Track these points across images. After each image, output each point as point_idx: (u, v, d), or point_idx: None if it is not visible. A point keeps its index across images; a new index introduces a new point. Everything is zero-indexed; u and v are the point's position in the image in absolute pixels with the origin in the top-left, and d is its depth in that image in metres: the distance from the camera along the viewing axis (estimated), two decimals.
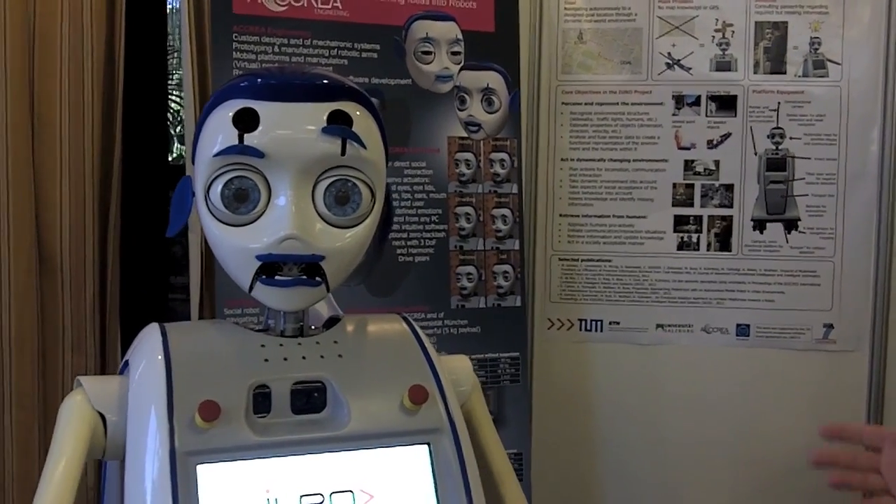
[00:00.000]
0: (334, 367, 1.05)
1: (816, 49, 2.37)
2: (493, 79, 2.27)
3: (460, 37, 2.22)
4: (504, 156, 2.29)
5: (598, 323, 2.47)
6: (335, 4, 2.13)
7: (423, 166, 2.20)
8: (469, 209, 2.25)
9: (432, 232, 2.21)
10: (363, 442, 1.02)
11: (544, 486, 2.39)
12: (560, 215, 2.48)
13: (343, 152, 1.02)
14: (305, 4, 2.10)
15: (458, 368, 1.17)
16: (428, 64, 2.20)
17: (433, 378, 1.08)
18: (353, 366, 1.06)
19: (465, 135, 2.24)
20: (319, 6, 2.12)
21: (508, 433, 2.18)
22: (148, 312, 2.37)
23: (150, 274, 2.51)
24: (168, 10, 2.78)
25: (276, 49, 2.06)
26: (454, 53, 2.23)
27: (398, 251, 2.17)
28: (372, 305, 2.08)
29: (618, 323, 2.46)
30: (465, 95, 2.24)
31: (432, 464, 1.05)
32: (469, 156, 2.25)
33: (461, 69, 2.23)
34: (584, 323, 2.48)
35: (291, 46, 2.08)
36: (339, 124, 1.02)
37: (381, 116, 1.10)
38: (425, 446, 1.05)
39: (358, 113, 1.05)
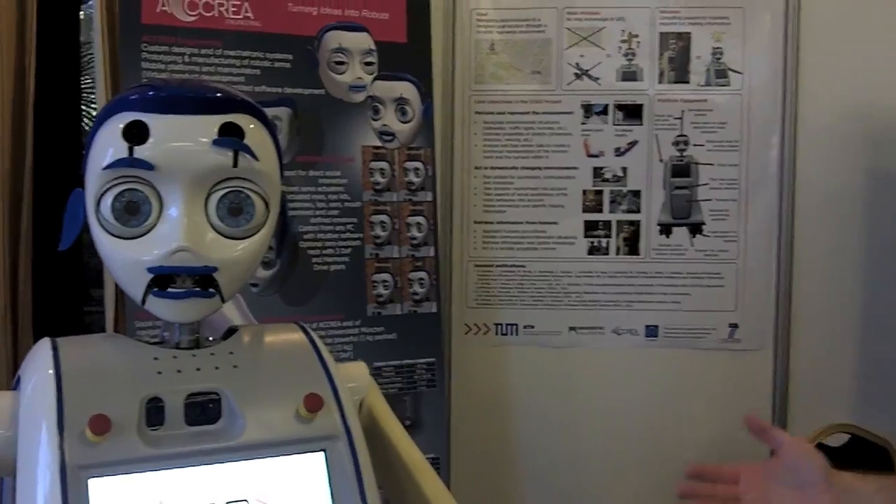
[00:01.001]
0: (229, 377, 1.05)
1: (718, 59, 2.44)
2: (406, 89, 2.30)
3: (373, 47, 2.25)
4: (418, 164, 2.32)
5: (514, 327, 2.51)
6: (246, 15, 2.14)
7: (337, 175, 2.22)
8: (384, 217, 2.27)
9: (348, 240, 2.22)
10: (258, 451, 1.03)
11: (463, 489, 2.41)
12: (475, 222, 2.52)
13: (235, 164, 1.03)
14: (216, 14, 2.10)
15: (355, 375, 1.19)
16: (341, 74, 2.22)
17: (329, 386, 1.09)
18: (249, 376, 1.07)
19: (380, 144, 2.27)
20: (230, 16, 2.12)
21: (426, 438, 2.21)
22: (62, 325, 2.35)
23: (66, 286, 2.49)
24: (82, 19, 2.76)
25: (187, 59, 2.07)
26: (367, 64, 2.25)
27: (314, 260, 2.18)
28: (287, 314, 2.10)
29: (532, 326, 2.51)
30: (379, 105, 2.27)
31: (328, 471, 1.06)
32: (384, 165, 2.27)
33: (374, 79, 2.25)
34: (499, 327, 2.52)
35: (202, 56, 2.09)
36: (231, 136, 1.03)
37: (276, 128, 1.12)
38: (321, 453, 1.06)
39: (251, 126, 1.06)
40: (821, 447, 2.16)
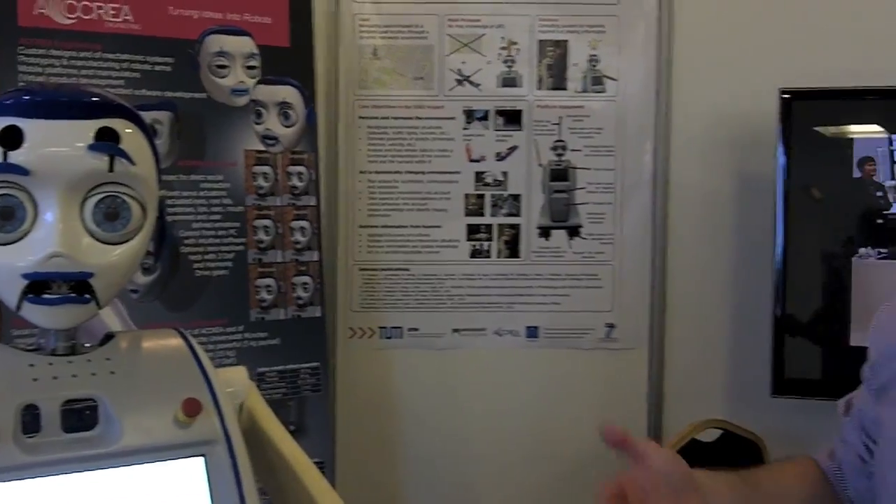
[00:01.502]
0: (106, 383, 1.05)
1: (595, 66, 2.51)
2: (289, 93, 2.30)
3: (255, 51, 2.24)
4: (302, 169, 2.32)
5: (398, 330, 2.54)
6: (126, 17, 2.11)
7: (219, 180, 2.21)
8: (267, 222, 2.27)
9: (230, 245, 2.22)
10: (136, 457, 1.03)
11: (350, 493, 2.41)
12: (359, 226, 2.53)
13: (111, 169, 1.02)
14: (96, 17, 2.07)
15: (234, 379, 1.19)
16: (223, 78, 2.21)
17: (208, 390, 1.09)
18: (126, 382, 1.06)
19: (263, 148, 2.27)
20: (110, 19, 2.09)
21: (311, 443, 2.21)
22: None
23: None
24: None
25: (66, 62, 2.02)
26: (250, 67, 2.24)
27: (195, 265, 2.16)
28: (169, 321, 2.08)
29: (417, 329, 2.54)
30: (262, 109, 2.26)
31: (208, 476, 1.07)
32: (267, 169, 2.27)
33: (257, 83, 2.25)
34: (384, 330, 2.54)
35: (81, 60, 2.05)
36: (106, 141, 1.03)
37: (153, 133, 1.12)
38: (201, 458, 1.07)
39: (128, 130, 1.05)
40: (694, 442, 2.26)
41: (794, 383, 2.31)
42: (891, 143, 2.24)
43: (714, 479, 1.26)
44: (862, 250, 2.25)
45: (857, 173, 2.25)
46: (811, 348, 2.36)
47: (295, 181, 2.31)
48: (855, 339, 2.22)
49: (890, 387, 1.24)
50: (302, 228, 2.32)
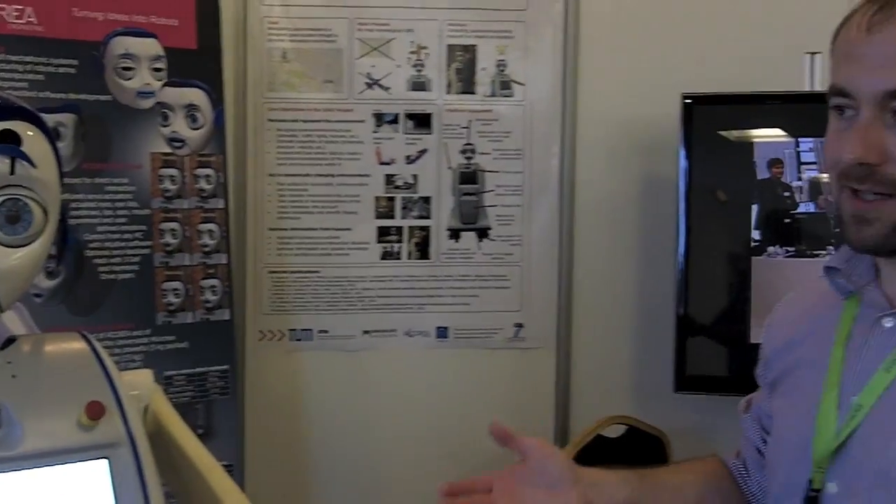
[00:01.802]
0: (7, 387, 1.05)
1: (503, 71, 2.55)
2: (196, 95, 2.29)
3: (162, 53, 2.22)
4: (210, 171, 2.31)
5: (308, 332, 2.54)
6: (29, 19, 2.07)
7: (125, 182, 2.19)
8: (175, 225, 2.25)
9: (136, 249, 2.19)
10: (39, 460, 1.03)
11: (259, 495, 2.42)
12: (269, 229, 2.52)
13: (12, 171, 1.02)
14: None
15: (139, 382, 1.20)
16: (128, 80, 2.19)
17: (111, 393, 1.10)
18: (28, 385, 1.06)
19: (169, 151, 2.25)
20: (12, 21, 2.05)
21: (219, 446, 2.20)
22: None
23: None
24: None
25: None
26: (156, 70, 2.22)
27: (100, 269, 2.14)
28: (74, 325, 2.04)
29: (327, 331, 2.54)
30: (168, 112, 2.25)
31: (112, 478, 1.07)
32: (174, 171, 2.25)
33: (163, 85, 2.23)
34: (294, 333, 2.54)
35: None
36: (7, 144, 1.02)
37: (55, 135, 1.11)
38: (104, 461, 1.07)
39: (30, 133, 1.05)
40: (600, 438, 2.31)
41: (696, 380, 2.37)
42: (797, 145, 2.32)
43: (608, 476, 1.29)
44: (770, 249, 2.32)
45: (765, 174, 2.32)
46: (713, 346, 2.42)
47: (203, 184, 2.30)
48: (755, 337, 2.28)
49: (781, 380, 1.29)
50: (210, 231, 2.30)
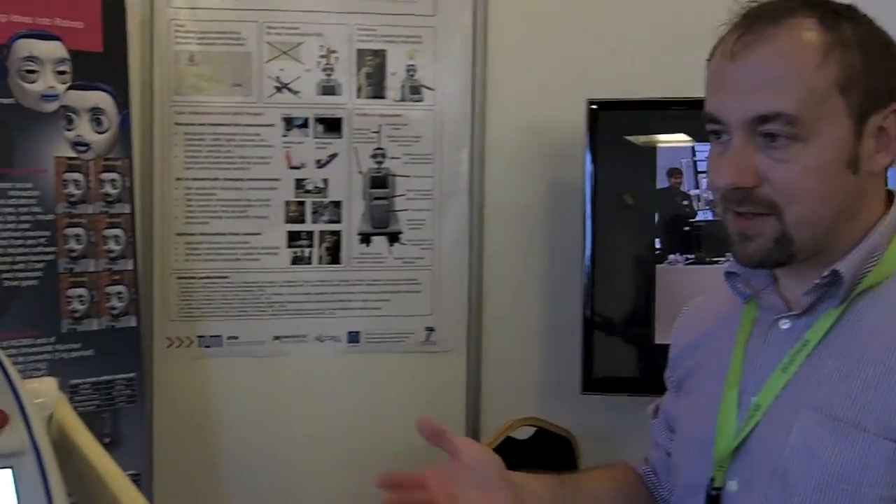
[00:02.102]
0: None
1: (412, 76, 2.56)
2: (101, 99, 2.25)
3: (66, 56, 2.18)
4: (115, 176, 2.27)
5: (218, 339, 2.51)
6: None
7: (28, 187, 2.14)
8: (79, 230, 2.21)
9: (40, 255, 2.15)
10: None
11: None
12: (176, 234, 2.49)
13: None
14: None
15: (43, 390, 1.18)
16: (32, 83, 2.14)
17: (15, 401, 1.08)
18: None
19: (74, 155, 2.21)
20: None
21: (127, 455, 2.17)
22: None
23: None
24: None
25: None
26: (60, 73, 2.18)
27: (3, 275, 2.09)
28: None
29: (237, 337, 2.52)
30: (73, 115, 2.21)
31: (16, 488, 1.05)
32: (78, 176, 2.21)
33: (68, 89, 2.19)
34: (203, 339, 2.51)
35: None
36: None
37: None
38: (8, 470, 1.06)
39: None
40: (509, 440, 2.33)
41: (603, 381, 2.42)
42: (694, 154, 2.37)
43: (532, 480, 1.31)
44: (671, 256, 2.37)
45: (664, 183, 2.38)
46: (619, 348, 2.47)
47: (108, 188, 2.26)
48: (660, 338, 2.33)
49: (685, 381, 1.33)
50: (116, 237, 2.27)
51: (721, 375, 1.20)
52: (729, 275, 1.22)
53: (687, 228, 2.39)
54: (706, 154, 2.32)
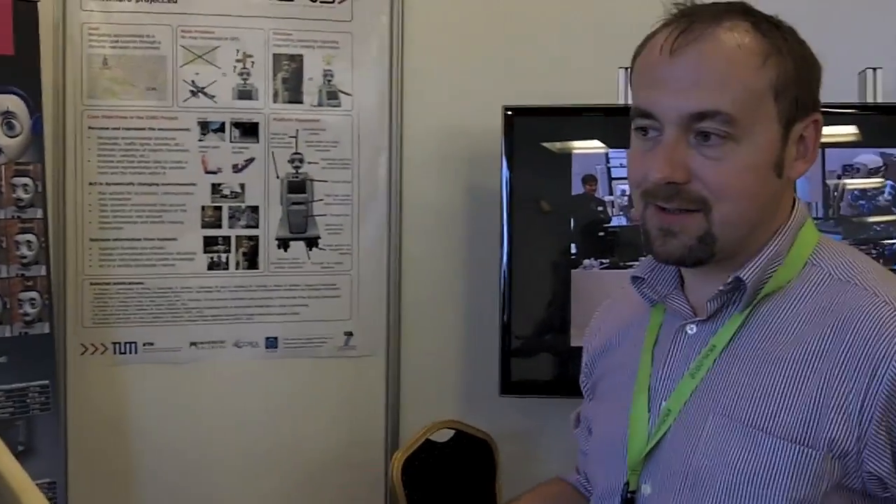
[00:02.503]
0: None
1: (330, 81, 2.56)
2: (12, 102, 2.21)
3: None
4: (27, 180, 2.24)
5: (133, 345, 2.48)
6: None
7: None
8: None
9: None
10: None
11: None
12: (90, 239, 2.46)
13: None
14: None
15: None
16: None
17: None
18: None
19: None
20: None
21: (41, 463, 2.14)
22: None
23: None
24: None
25: None
26: None
27: None
28: None
29: (153, 344, 2.49)
30: None
31: None
32: None
33: None
34: (118, 346, 2.48)
35: None
36: None
37: None
38: None
39: None
40: (429, 443, 2.35)
41: (520, 384, 2.45)
42: (608, 161, 2.42)
43: None
44: (586, 261, 2.42)
45: (579, 189, 2.42)
46: (536, 351, 2.50)
47: (20, 193, 2.22)
48: (576, 342, 2.37)
49: (598, 385, 1.34)
50: (28, 242, 2.23)
51: (631, 379, 1.21)
52: (635, 279, 1.23)
53: (601, 234, 2.43)
54: (620, 160, 2.39)
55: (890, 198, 2.37)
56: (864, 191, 2.38)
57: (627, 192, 2.40)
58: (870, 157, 2.37)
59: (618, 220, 2.42)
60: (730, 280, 1.11)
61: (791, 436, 1.05)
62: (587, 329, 1.41)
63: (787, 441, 1.05)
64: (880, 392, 1.02)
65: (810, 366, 1.07)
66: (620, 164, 2.39)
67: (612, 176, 2.42)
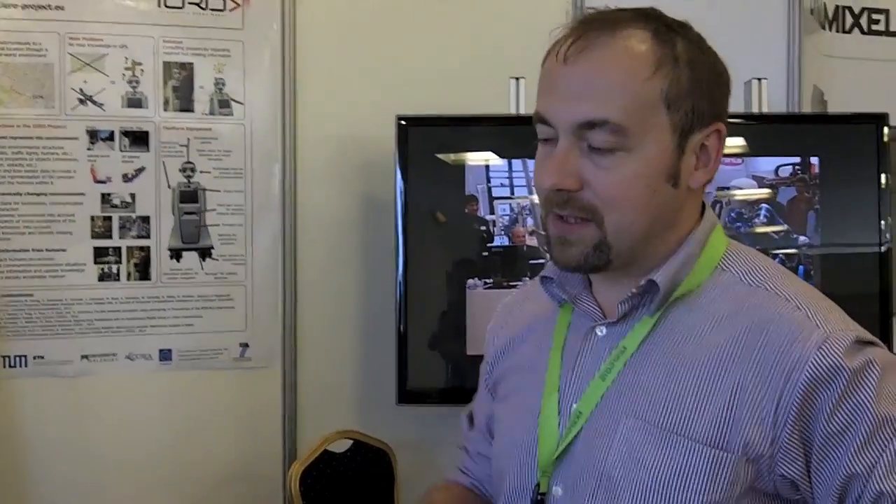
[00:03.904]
0: None
1: (221, 89, 2.54)
2: None
3: None
4: None
5: (22, 359, 2.43)
6: None
7: None
8: None
9: None
10: None
11: None
12: None
13: None
14: None
15: None
16: None
17: None
18: None
19: None
20: None
21: None
22: None
23: None
24: None
25: None
26: None
27: None
28: None
29: (42, 357, 2.44)
30: None
31: None
32: None
33: None
34: (7, 360, 2.42)
35: None
36: None
37: None
38: None
39: None
40: (327, 453, 2.35)
41: (417, 393, 2.46)
42: (489, 181, 2.43)
43: None
44: (470, 281, 2.44)
45: (464, 209, 2.44)
46: (432, 359, 2.51)
47: None
48: (472, 350, 2.40)
49: (502, 382, 1.33)
50: None
51: (539, 380, 1.21)
52: (544, 279, 1.23)
53: (485, 253, 2.45)
54: (501, 180, 2.42)
55: (765, 220, 2.45)
56: (739, 213, 2.46)
57: (507, 212, 2.44)
58: (746, 181, 2.45)
59: (500, 240, 2.44)
60: (643, 283, 1.12)
61: (705, 439, 1.06)
62: (491, 323, 1.40)
63: (702, 444, 1.06)
64: (794, 396, 1.04)
65: (723, 369, 1.08)
66: (501, 184, 2.42)
67: (493, 195, 2.43)
